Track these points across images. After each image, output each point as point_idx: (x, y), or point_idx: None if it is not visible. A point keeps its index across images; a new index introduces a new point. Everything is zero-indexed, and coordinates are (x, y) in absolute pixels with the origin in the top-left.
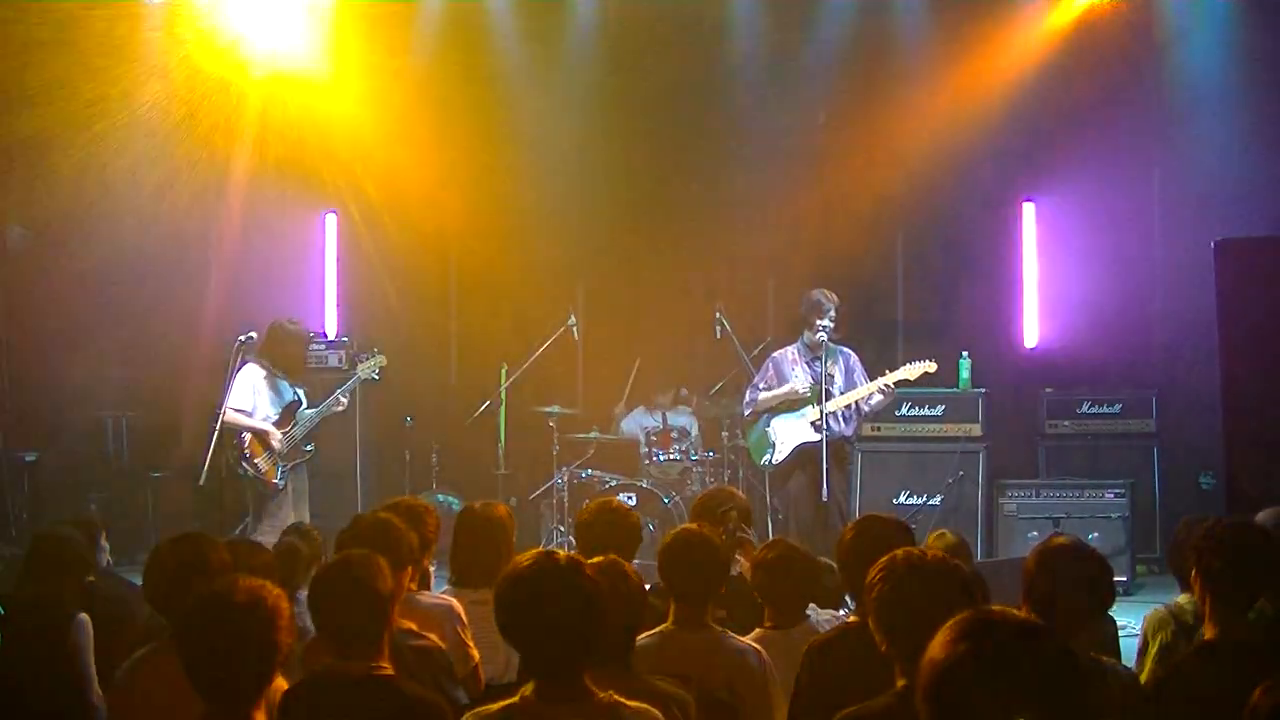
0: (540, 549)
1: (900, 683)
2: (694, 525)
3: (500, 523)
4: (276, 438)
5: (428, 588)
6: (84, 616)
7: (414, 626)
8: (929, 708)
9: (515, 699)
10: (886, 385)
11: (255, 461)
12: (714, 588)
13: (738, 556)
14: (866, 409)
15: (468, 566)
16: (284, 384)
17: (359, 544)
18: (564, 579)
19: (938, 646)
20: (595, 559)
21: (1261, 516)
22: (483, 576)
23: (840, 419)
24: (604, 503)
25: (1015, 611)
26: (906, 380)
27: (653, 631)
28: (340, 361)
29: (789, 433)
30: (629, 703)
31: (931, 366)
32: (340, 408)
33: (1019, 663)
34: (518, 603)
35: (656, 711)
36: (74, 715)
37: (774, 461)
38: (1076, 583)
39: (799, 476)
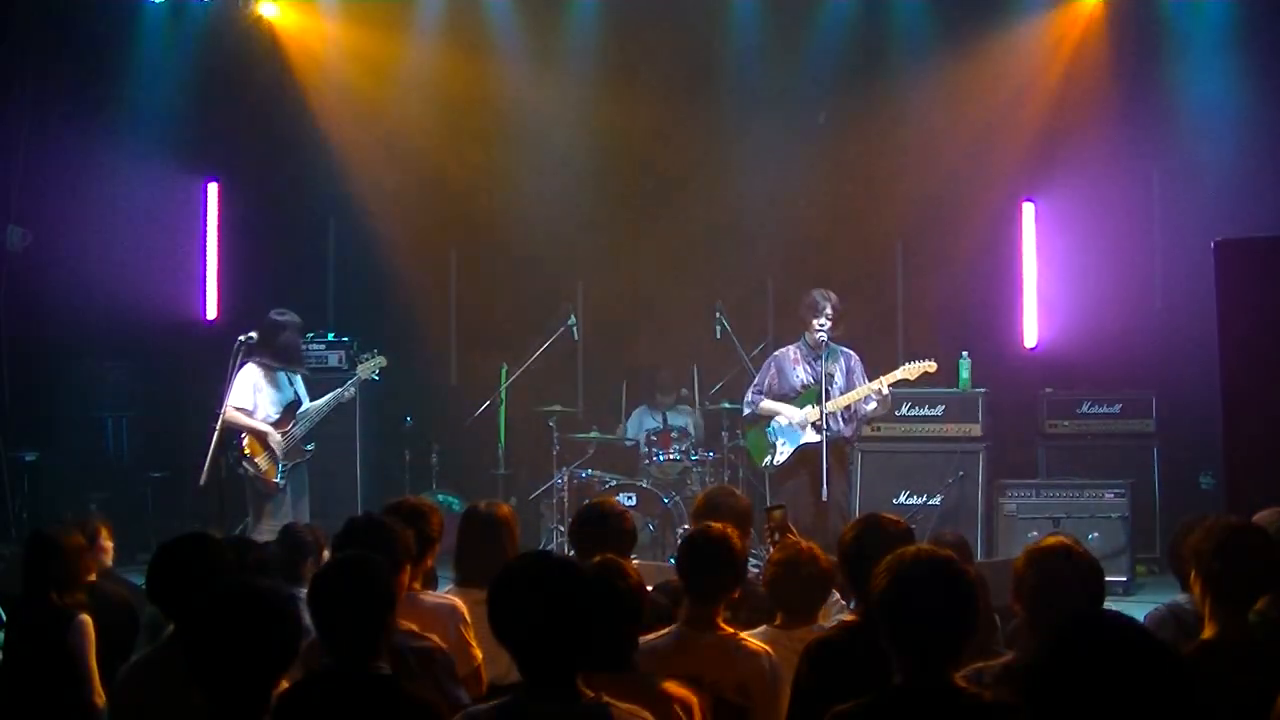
0: (532, 549)
1: (896, 680)
2: (716, 524)
3: (505, 522)
4: (275, 438)
5: (433, 587)
6: (85, 617)
7: (415, 628)
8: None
9: (505, 699)
10: (881, 391)
11: (255, 461)
12: (730, 588)
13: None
14: (863, 413)
15: (472, 567)
16: (284, 382)
17: (352, 545)
18: (555, 580)
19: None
20: (593, 559)
21: (1261, 516)
22: (487, 576)
23: (840, 420)
24: (595, 504)
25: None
26: (906, 380)
27: (663, 631)
28: (340, 361)
29: (790, 434)
30: (619, 704)
31: (931, 366)
32: (348, 397)
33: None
34: (509, 603)
35: (647, 713)
36: (75, 717)
37: (774, 463)
38: (1066, 582)
39: (800, 476)
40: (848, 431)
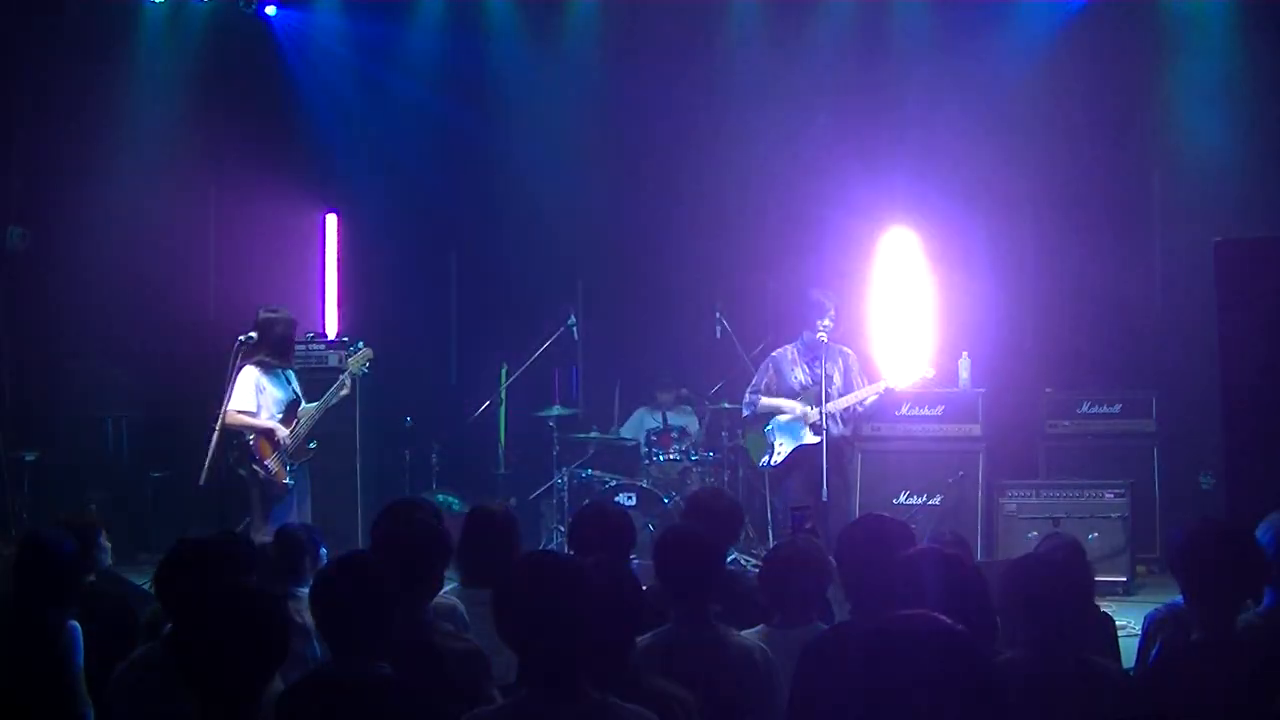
0: (537, 550)
1: None
2: (683, 523)
3: (511, 521)
4: (283, 434)
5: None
6: (74, 625)
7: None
8: None
9: (509, 700)
10: (879, 392)
11: (265, 463)
12: (711, 583)
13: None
14: (861, 409)
15: (478, 566)
16: (284, 381)
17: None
18: (559, 580)
19: None
20: (592, 560)
21: (1268, 521)
22: (492, 577)
23: (839, 420)
24: (596, 504)
25: None
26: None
27: (656, 630)
28: (340, 361)
29: (788, 434)
30: (623, 703)
31: (929, 372)
32: (345, 391)
33: None
34: (514, 604)
35: (651, 713)
36: None
37: (772, 463)
38: (1056, 588)
39: (797, 476)
40: (846, 430)
